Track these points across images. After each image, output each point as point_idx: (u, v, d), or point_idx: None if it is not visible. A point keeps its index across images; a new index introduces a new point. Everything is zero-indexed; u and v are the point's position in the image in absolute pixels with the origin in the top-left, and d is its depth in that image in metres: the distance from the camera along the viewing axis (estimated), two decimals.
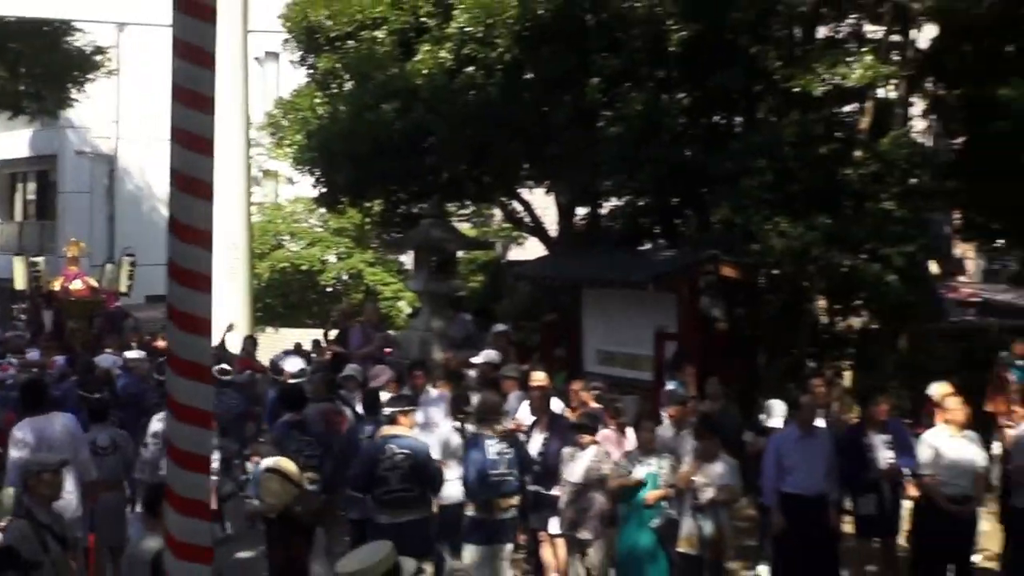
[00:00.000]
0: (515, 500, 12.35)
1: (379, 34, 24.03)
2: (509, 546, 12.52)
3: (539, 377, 14.98)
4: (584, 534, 13.04)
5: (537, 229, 27.42)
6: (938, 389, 13.41)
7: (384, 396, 14.11)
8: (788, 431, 13.34)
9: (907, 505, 13.52)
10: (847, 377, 20.18)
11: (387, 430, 12.20)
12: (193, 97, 3.88)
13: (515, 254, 37.05)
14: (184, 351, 3.89)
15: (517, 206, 27.85)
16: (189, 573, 3.90)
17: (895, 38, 22.56)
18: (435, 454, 12.81)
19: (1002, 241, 26.42)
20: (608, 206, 25.10)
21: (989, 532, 14.37)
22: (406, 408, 12.41)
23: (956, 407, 12.68)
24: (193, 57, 3.89)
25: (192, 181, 3.86)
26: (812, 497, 12.72)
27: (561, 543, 13.41)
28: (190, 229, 3.87)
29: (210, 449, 4.10)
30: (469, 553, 12.17)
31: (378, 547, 6.74)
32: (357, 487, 12.22)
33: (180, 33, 3.90)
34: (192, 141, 3.86)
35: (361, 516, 12.65)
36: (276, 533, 12.11)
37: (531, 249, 32.41)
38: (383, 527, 11.56)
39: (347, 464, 12.70)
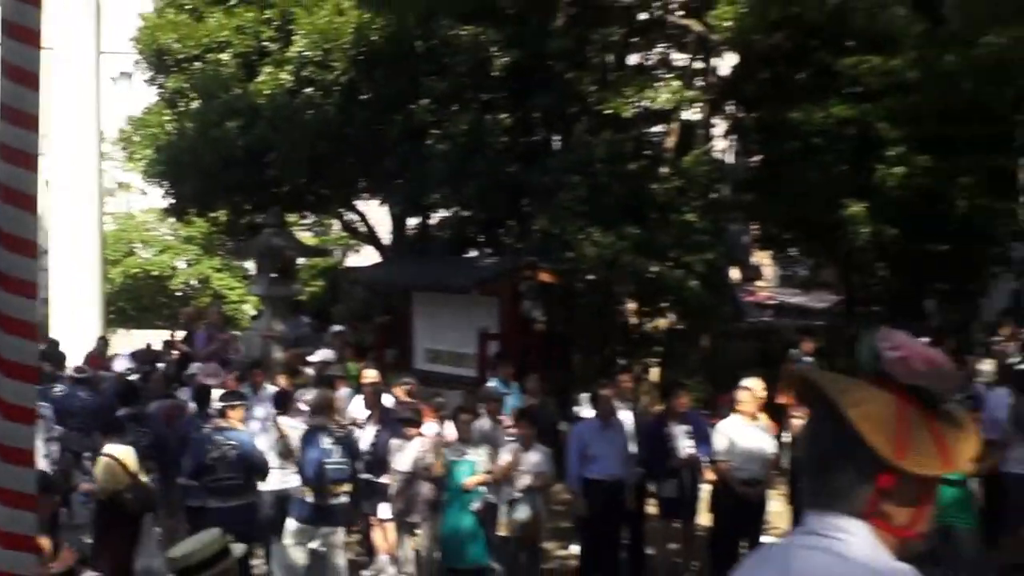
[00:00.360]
0: (347, 487, 12.34)
1: (224, 57, 23.82)
2: (341, 530, 12.51)
3: (371, 375, 15.11)
4: (412, 518, 13.16)
5: (372, 238, 27.44)
6: (750, 383, 13.59)
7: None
8: (589, 422, 13.49)
9: (705, 488, 13.72)
10: (655, 373, 20.44)
11: (217, 423, 12.26)
12: (18, 116, 3.85)
13: (352, 261, 36.97)
14: (10, 353, 3.86)
15: (353, 216, 27.85)
16: (14, 560, 3.87)
17: (699, 65, 22.95)
18: (265, 445, 12.92)
19: (794, 250, 27.04)
20: (437, 217, 25.20)
21: (779, 512, 14.65)
22: (235, 403, 12.46)
23: (748, 399, 12.92)
24: (20, 78, 3.87)
25: (17, 194, 3.83)
26: (612, 482, 12.90)
27: (391, 527, 13.48)
28: (15, 239, 3.84)
29: (33, 444, 4.07)
30: (299, 532, 12.13)
31: (209, 533, 6.71)
32: (189, 475, 12.27)
33: (8, 56, 3.87)
34: (17, 157, 3.84)
35: (196, 503, 12.61)
36: (105, 516, 11.98)
37: (367, 256, 32.39)
38: (213, 511, 11.69)
39: (182, 455, 12.70)
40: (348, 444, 12.53)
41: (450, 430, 13.58)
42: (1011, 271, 24.43)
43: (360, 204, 27.40)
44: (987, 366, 16.97)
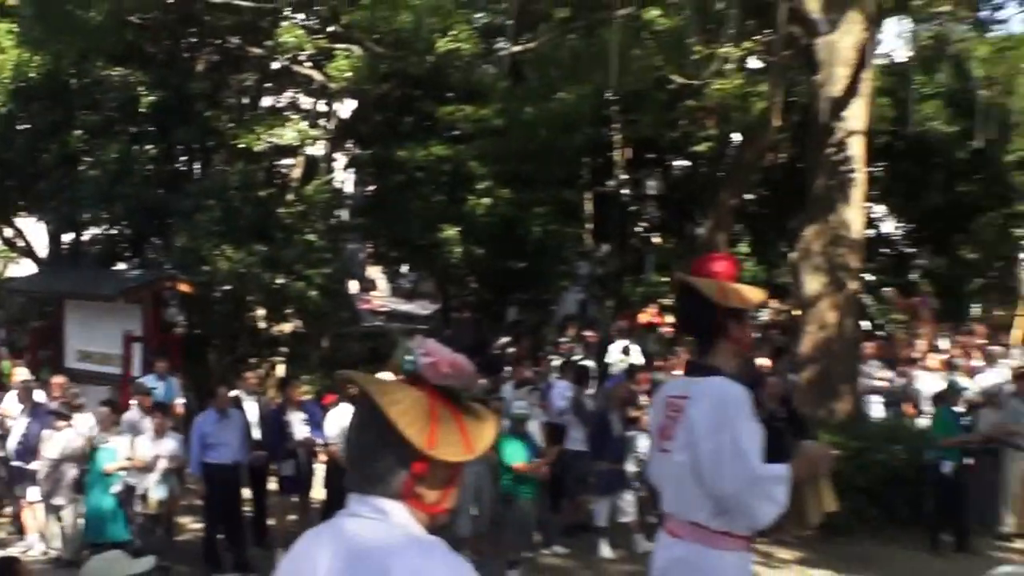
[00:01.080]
0: None
1: None
2: None
3: (22, 373, 14.64)
4: (58, 500, 12.82)
5: (29, 251, 26.05)
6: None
7: None
8: (208, 414, 13.18)
9: (320, 468, 13.67)
10: (281, 369, 20.26)
11: None
12: None
13: (12, 271, 35.09)
14: None
15: (12, 232, 26.42)
16: None
17: (323, 108, 22.97)
18: None
19: (401, 265, 27.41)
20: (89, 233, 24.13)
21: None
22: None
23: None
24: None
25: None
26: (230, 465, 12.72)
27: (40, 508, 13.14)
28: None
29: None
30: None
31: None
32: None
33: None
34: None
35: None
36: None
37: (25, 267, 30.79)
38: None
39: None
40: None
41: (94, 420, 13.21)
42: (577, 284, 25.48)
43: (19, 221, 26.03)
44: (555, 362, 17.52)
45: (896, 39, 23.42)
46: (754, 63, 21.64)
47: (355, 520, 2.52)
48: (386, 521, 2.48)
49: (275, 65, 21.97)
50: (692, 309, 4.52)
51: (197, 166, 22.91)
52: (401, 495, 2.49)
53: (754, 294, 4.56)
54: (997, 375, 15.47)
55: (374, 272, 32.45)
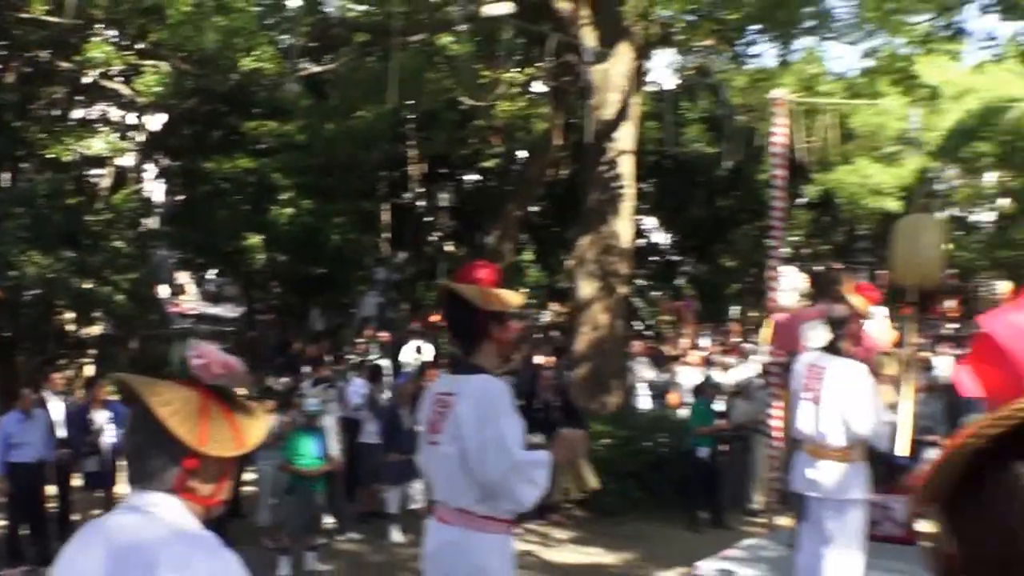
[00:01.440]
0: None
1: None
2: None
3: None
4: None
5: None
6: None
7: None
8: (12, 415, 12.65)
9: (124, 464, 13.28)
10: (91, 370, 19.66)
11: None
12: None
13: None
14: None
15: None
16: None
17: (133, 121, 22.43)
18: None
19: (209, 271, 27.01)
20: None
21: None
22: None
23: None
24: None
25: None
26: (34, 463, 12.26)
27: None
28: None
29: None
30: None
31: None
32: None
33: None
34: None
35: None
36: None
37: None
38: None
39: None
40: None
41: None
42: (375, 289, 25.47)
43: None
44: (353, 360, 17.51)
45: (663, 69, 24.19)
46: (537, 87, 22.04)
47: (128, 514, 2.48)
48: (157, 515, 2.44)
49: (85, 79, 21.32)
50: (457, 313, 4.57)
51: (6, 175, 22.02)
52: (174, 489, 2.46)
53: (513, 298, 4.66)
54: (748, 369, 16.09)
55: (183, 277, 31.76)
